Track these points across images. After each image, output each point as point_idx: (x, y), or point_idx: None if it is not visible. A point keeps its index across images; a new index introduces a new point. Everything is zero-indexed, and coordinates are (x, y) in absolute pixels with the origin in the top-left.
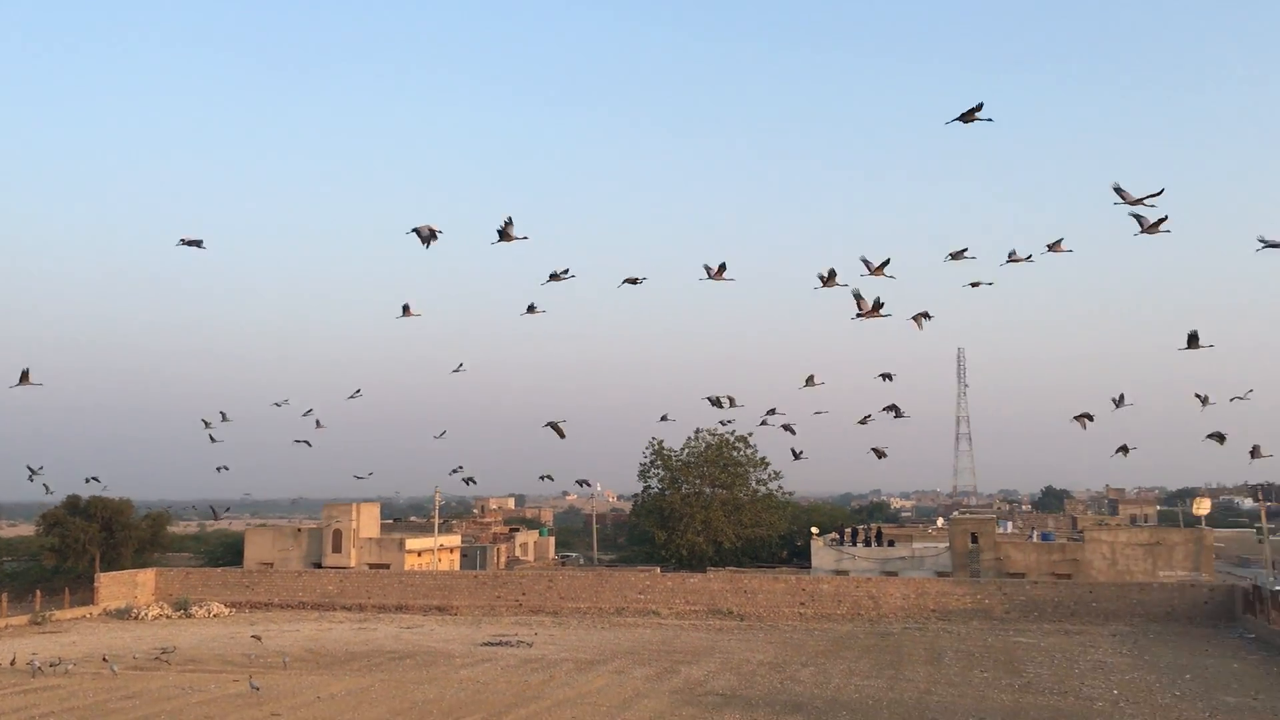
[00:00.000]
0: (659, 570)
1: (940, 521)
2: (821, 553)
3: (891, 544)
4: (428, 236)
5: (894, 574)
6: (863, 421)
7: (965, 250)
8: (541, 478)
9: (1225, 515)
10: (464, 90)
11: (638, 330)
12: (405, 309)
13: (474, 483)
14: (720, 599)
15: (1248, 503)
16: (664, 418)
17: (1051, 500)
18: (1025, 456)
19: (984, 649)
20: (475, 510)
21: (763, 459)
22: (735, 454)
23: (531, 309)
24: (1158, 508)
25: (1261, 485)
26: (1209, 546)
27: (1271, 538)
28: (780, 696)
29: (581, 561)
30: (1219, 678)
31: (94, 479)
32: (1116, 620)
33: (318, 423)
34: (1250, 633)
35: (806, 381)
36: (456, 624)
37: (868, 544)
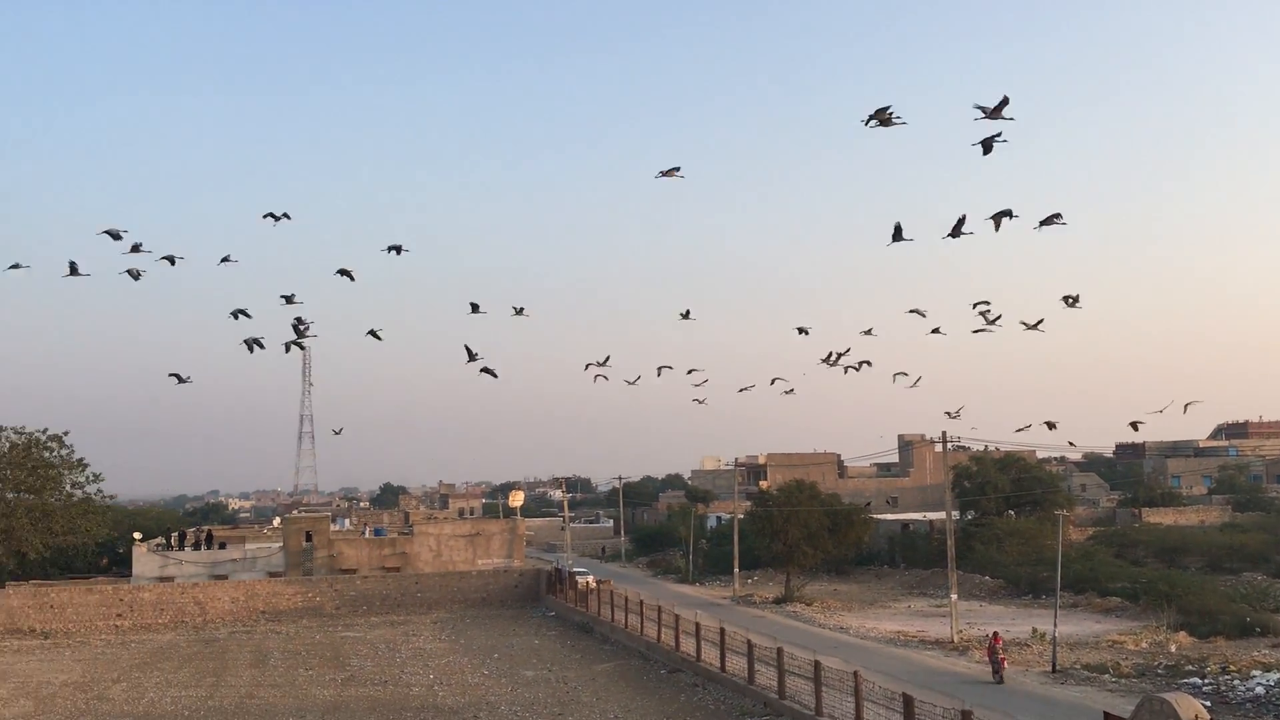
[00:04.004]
0: None
1: (277, 521)
2: (144, 559)
3: (223, 546)
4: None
5: (224, 577)
6: None
7: None
8: None
9: (539, 506)
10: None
11: None
12: None
13: None
14: (21, 616)
15: (557, 494)
16: None
17: (389, 496)
18: (367, 454)
19: (311, 647)
20: None
21: (80, 460)
22: (47, 455)
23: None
24: (483, 500)
25: (565, 478)
26: (521, 535)
27: (573, 525)
28: (84, 717)
29: None
30: (522, 654)
31: None
32: (439, 608)
33: None
34: (551, 611)
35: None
36: None
37: (197, 547)
